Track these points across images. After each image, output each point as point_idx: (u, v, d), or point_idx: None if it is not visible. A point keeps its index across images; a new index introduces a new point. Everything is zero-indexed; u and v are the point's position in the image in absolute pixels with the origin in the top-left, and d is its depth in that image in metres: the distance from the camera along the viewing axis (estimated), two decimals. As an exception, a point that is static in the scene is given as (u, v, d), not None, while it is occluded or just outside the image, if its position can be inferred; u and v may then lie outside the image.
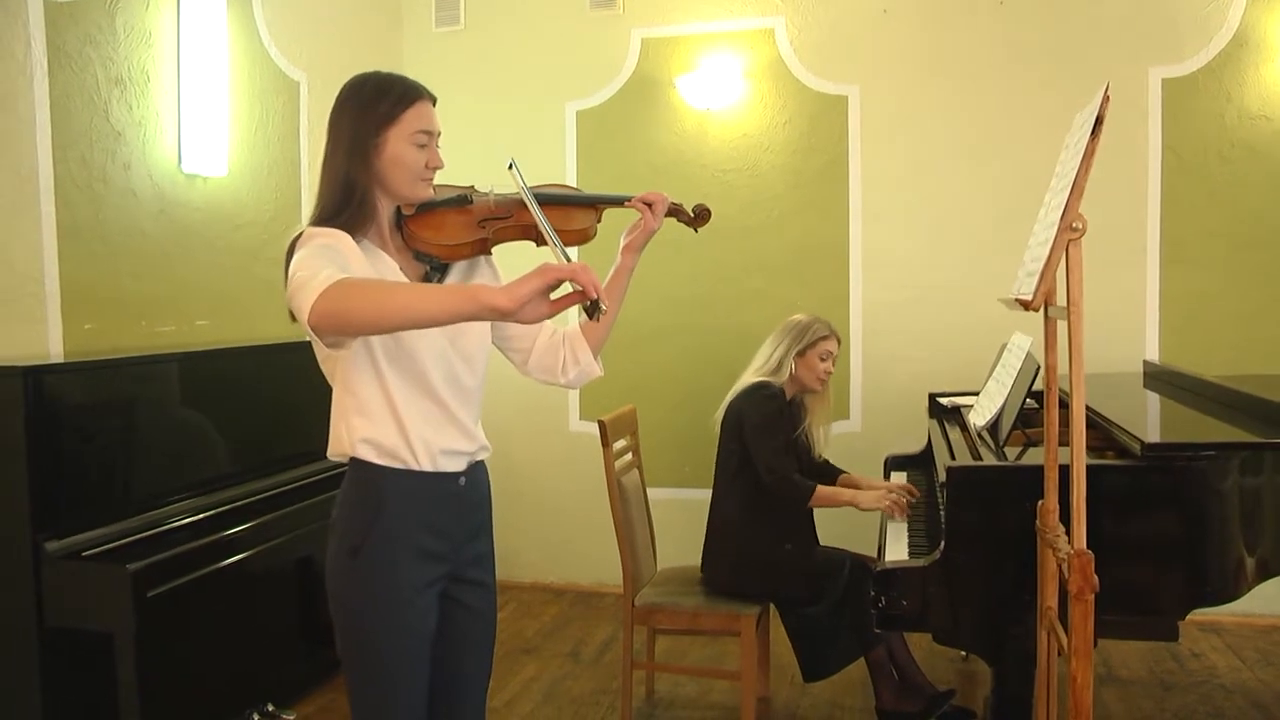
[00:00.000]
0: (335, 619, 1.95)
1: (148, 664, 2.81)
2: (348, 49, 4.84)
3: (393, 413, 1.89)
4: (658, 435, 4.79)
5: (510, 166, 1.96)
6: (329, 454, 1.98)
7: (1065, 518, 2.09)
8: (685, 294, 4.84)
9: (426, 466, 1.91)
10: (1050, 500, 2.09)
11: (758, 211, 4.94)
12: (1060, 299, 1.85)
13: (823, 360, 3.57)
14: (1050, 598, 2.14)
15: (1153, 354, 4.51)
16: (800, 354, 3.55)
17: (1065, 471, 2.05)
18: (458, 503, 1.98)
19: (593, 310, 1.61)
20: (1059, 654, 2.14)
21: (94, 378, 3.06)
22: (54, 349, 3.26)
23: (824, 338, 3.57)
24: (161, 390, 3.31)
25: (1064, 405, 2.41)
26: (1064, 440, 2.18)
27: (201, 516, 3.21)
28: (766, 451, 3.44)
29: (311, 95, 4.52)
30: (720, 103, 4.96)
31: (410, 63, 5.23)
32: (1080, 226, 1.66)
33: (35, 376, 2.82)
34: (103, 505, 3.00)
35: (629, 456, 3.78)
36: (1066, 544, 1.85)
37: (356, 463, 1.92)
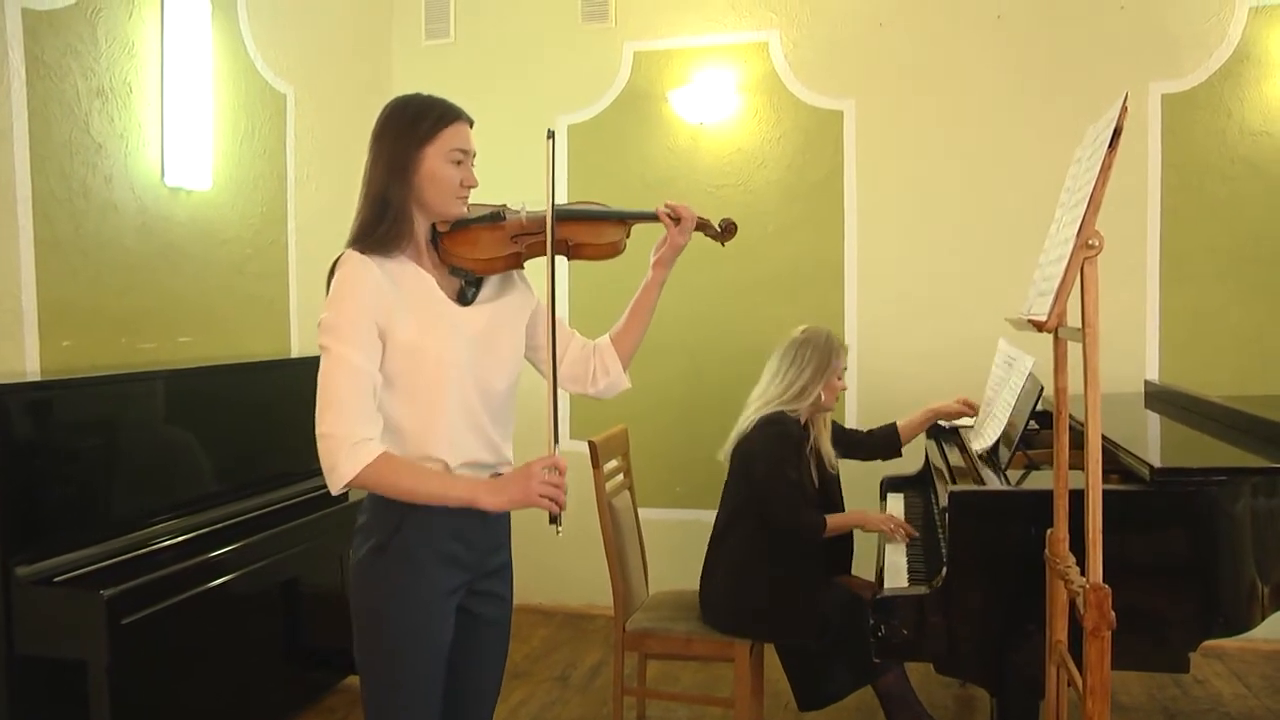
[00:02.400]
0: (355, 621, 1.97)
1: (123, 692, 2.72)
2: (336, 62, 4.77)
3: (423, 429, 1.94)
4: (650, 454, 4.71)
5: (549, 137, 2.03)
6: None
7: (1073, 546, 2.02)
8: (678, 311, 4.76)
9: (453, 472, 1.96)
10: (1060, 529, 2.02)
11: (752, 227, 4.85)
12: (1071, 319, 1.78)
13: (840, 379, 3.41)
14: (1060, 631, 2.06)
15: (1153, 373, 4.44)
16: (827, 380, 3.36)
17: (1074, 498, 1.98)
18: (481, 511, 1.99)
19: (553, 520, 1.93)
20: (1068, 685, 2.07)
21: (71, 396, 2.98)
22: (30, 366, 3.16)
23: (844, 355, 3.42)
24: (142, 409, 3.23)
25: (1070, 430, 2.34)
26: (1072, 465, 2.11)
27: (184, 539, 3.14)
28: (778, 499, 3.25)
29: (299, 108, 4.45)
30: (713, 117, 4.90)
31: (400, 76, 5.16)
32: (1097, 243, 1.59)
33: (6, 395, 2.74)
34: (81, 527, 2.91)
35: (620, 478, 3.69)
36: (1080, 576, 1.77)
37: None
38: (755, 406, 3.39)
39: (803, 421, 3.38)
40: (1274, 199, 4.37)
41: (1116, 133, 1.60)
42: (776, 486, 3.26)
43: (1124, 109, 1.61)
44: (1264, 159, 4.38)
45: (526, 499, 1.91)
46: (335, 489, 1.84)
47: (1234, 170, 4.40)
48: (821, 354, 3.35)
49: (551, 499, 1.91)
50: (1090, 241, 1.59)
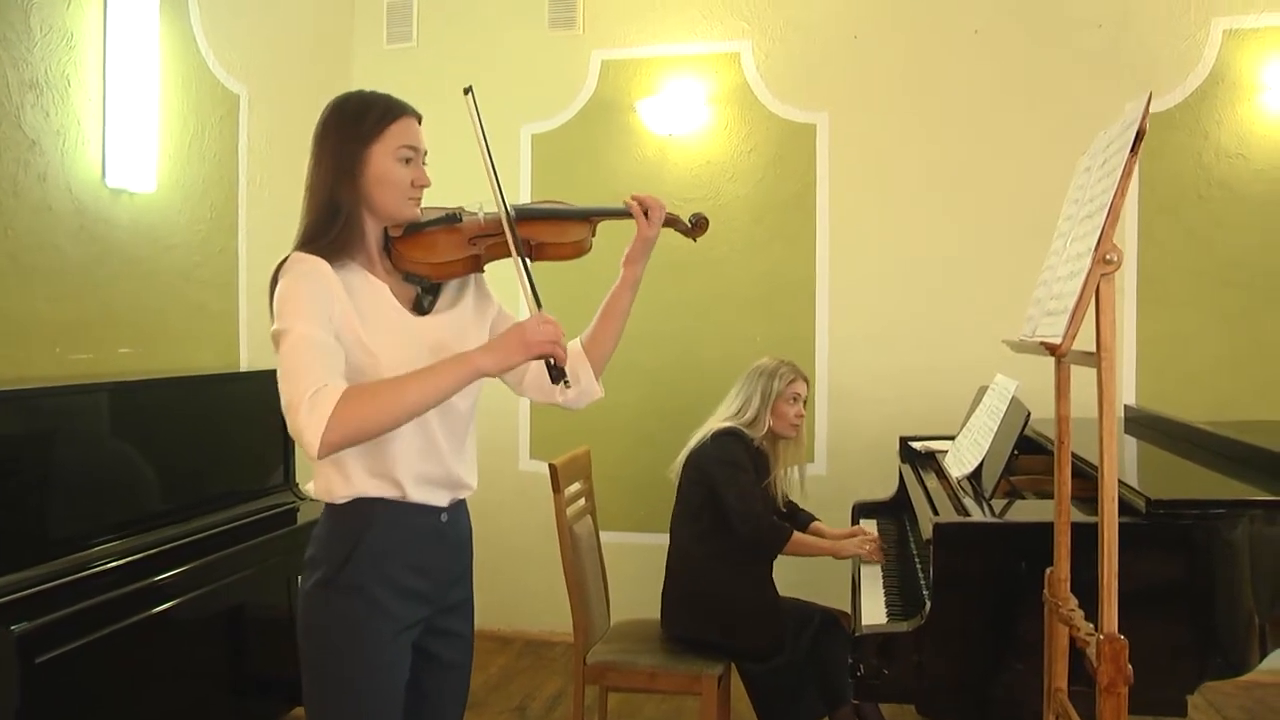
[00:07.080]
0: (304, 659, 1.83)
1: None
2: (293, 63, 4.58)
3: (371, 448, 1.79)
4: (613, 476, 4.54)
5: (467, 92, 1.89)
6: (314, 493, 1.88)
7: (1073, 586, 1.89)
8: (642, 329, 4.58)
9: (408, 497, 1.84)
10: (1062, 568, 1.87)
11: (721, 243, 4.72)
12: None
13: (792, 404, 3.42)
14: (1059, 678, 1.92)
15: (1129, 397, 4.34)
16: (773, 405, 3.39)
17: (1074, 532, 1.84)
18: (439, 540, 1.90)
19: (556, 377, 1.78)
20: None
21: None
22: (-51, 377, 2.95)
23: (791, 381, 3.42)
24: (75, 424, 3.00)
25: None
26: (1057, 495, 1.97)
27: (120, 563, 2.90)
28: (736, 493, 3.25)
29: (253, 110, 4.24)
30: (683, 128, 4.77)
31: (360, 80, 4.97)
32: (1115, 258, 1.45)
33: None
34: (3, 552, 2.67)
35: (582, 502, 3.53)
36: (1086, 623, 1.63)
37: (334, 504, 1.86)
38: (709, 426, 3.42)
39: (758, 446, 3.40)
40: (1251, 222, 4.30)
41: (1139, 136, 1.46)
42: (734, 481, 3.26)
43: (1146, 111, 1.47)
44: (1239, 182, 4.31)
45: (526, 351, 1.75)
46: (317, 455, 1.63)
47: (1211, 193, 4.33)
48: (767, 378, 3.40)
49: (554, 341, 1.75)
50: (1108, 256, 1.45)
